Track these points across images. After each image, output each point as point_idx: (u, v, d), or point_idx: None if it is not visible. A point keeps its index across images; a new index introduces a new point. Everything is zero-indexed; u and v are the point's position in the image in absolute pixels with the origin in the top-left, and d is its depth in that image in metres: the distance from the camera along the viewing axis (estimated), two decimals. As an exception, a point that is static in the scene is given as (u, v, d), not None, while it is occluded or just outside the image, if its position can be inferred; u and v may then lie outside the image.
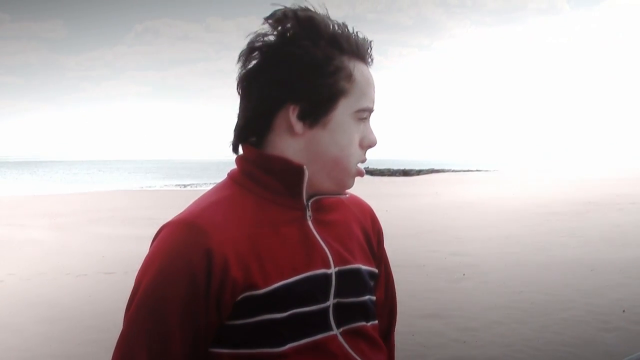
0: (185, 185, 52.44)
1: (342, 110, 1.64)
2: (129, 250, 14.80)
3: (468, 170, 76.60)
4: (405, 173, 67.74)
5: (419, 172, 68.68)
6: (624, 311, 8.66)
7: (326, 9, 1.67)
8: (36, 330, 8.62)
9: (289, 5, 1.65)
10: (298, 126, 1.63)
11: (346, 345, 1.67)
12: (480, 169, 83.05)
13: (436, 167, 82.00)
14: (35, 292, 10.86)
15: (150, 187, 51.24)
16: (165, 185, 53.46)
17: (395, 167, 74.83)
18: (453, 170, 75.22)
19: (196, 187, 49.26)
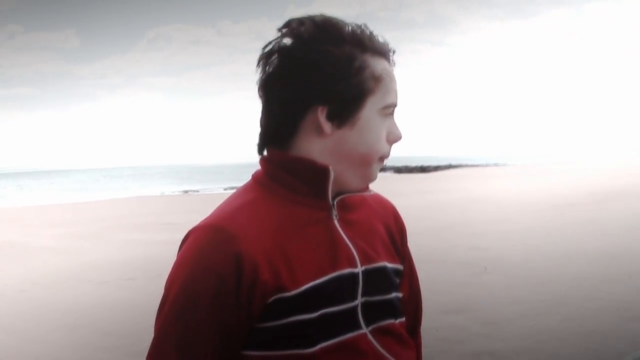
0: (186, 191, 52.15)
1: (370, 108, 1.66)
2: (147, 255, 14.87)
3: (485, 165, 76.47)
4: (423, 169, 67.61)
5: (437, 168, 68.57)
6: (647, 299, 8.62)
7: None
8: (59, 338, 8.68)
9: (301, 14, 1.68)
10: (327, 126, 1.64)
11: (376, 343, 1.68)
12: (497, 163, 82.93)
13: (453, 163, 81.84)
14: (58, 300, 10.91)
15: (164, 193, 51.25)
16: (173, 191, 53.42)
17: (413, 164, 74.69)
18: (470, 166, 75.12)
19: (211, 191, 49.31)
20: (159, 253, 14.62)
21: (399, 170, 66.91)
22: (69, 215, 28.87)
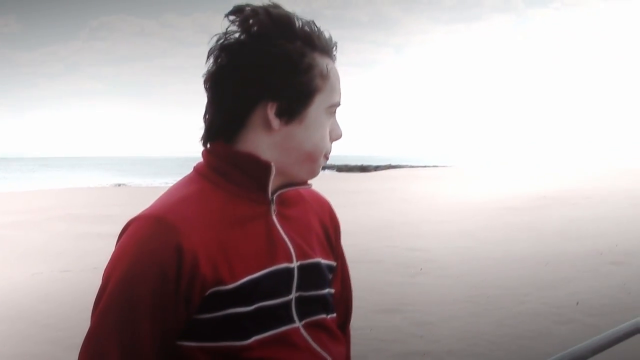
0: (119, 184, 51.47)
1: (317, 106, 1.69)
2: (84, 248, 14.69)
3: (425, 166, 77.14)
4: (363, 169, 67.95)
5: (377, 168, 68.96)
6: (577, 304, 8.79)
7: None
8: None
9: (252, 2, 1.68)
10: (275, 122, 1.66)
11: (308, 337, 1.72)
12: (437, 165, 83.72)
13: (394, 163, 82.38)
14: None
15: (100, 184, 50.58)
16: (110, 183, 52.71)
17: (353, 163, 74.98)
18: (410, 166, 75.70)
19: (149, 184, 48.83)
20: (94, 246, 14.46)
21: (339, 169, 67.12)
22: (3, 204, 28.36)
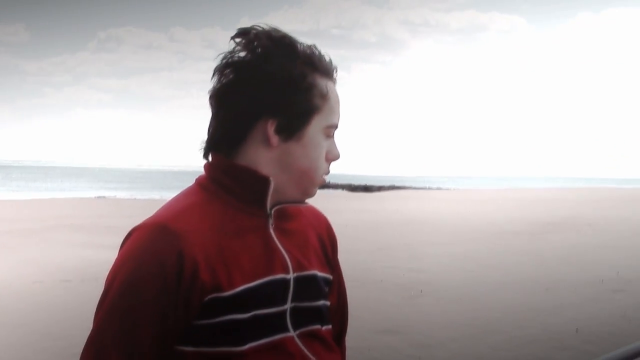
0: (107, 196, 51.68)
1: (315, 126, 1.75)
2: (85, 257, 14.70)
3: (428, 188, 77.20)
4: (367, 189, 67.88)
5: (380, 189, 68.92)
6: (577, 330, 8.78)
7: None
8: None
9: (255, 26, 1.75)
10: (274, 139, 1.72)
11: (302, 346, 1.76)
12: (440, 187, 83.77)
13: (397, 184, 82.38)
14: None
15: (104, 196, 50.65)
16: (115, 195, 52.77)
17: (357, 183, 74.99)
18: (413, 188, 75.70)
19: (148, 196, 48.89)
20: (96, 255, 14.48)
21: (342, 188, 67.08)
22: (6, 213, 28.40)
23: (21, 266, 13.94)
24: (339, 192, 59.13)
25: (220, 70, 1.74)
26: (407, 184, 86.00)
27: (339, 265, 2.01)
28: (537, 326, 9.09)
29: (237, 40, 1.73)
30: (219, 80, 1.74)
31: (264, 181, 1.73)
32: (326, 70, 1.77)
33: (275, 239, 1.77)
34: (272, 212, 1.77)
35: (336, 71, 1.81)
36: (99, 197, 48.97)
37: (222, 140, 1.76)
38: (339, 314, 2.01)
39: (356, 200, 43.97)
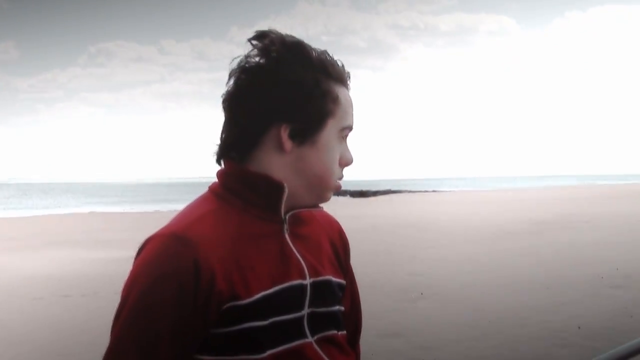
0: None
1: (330, 130, 1.75)
2: (85, 272, 14.65)
3: (424, 191, 77.22)
4: (363, 194, 67.83)
5: (376, 193, 68.89)
6: (579, 328, 8.78)
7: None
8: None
9: (271, 31, 1.75)
10: (288, 144, 1.72)
11: (321, 352, 1.76)
12: (436, 190, 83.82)
13: (393, 188, 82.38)
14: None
15: (98, 211, 50.59)
16: (110, 210, 52.64)
17: (353, 188, 74.97)
18: (409, 191, 75.72)
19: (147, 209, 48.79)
20: (95, 270, 14.44)
21: (337, 193, 66.88)
22: (1, 230, 28.35)
23: (20, 282, 13.92)
24: (335, 198, 59.06)
25: (235, 74, 1.73)
26: (403, 188, 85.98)
27: (351, 270, 2.02)
28: (539, 325, 9.08)
29: (254, 42, 1.73)
30: (234, 84, 1.74)
31: (278, 187, 1.73)
32: (339, 76, 1.78)
33: (291, 244, 1.76)
34: (287, 217, 1.77)
35: (349, 77, 1.81)
36: (90, 213, 48.99)
37: (235, 145, 1.75)
38: (352, 319, 2.02)
39: (352, 206, 43.89)
